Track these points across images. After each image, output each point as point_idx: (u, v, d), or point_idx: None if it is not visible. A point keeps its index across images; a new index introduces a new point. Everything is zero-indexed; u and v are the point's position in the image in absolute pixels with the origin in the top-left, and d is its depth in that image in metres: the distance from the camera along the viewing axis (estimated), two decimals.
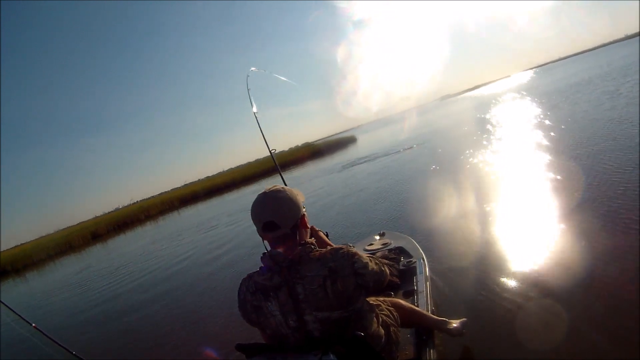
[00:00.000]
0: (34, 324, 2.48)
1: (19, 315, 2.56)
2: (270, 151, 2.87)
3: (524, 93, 23.14)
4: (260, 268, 1.46)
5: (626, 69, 15.60)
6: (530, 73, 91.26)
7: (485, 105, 23.81)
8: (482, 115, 17.27)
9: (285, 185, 1.62)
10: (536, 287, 2.67)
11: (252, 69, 3.18)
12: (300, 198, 1.53)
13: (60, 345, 2.38)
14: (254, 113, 2.82)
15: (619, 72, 15.31)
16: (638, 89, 9.19)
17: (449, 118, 22.97)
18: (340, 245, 1.49)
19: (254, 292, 1.44)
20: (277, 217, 1.42)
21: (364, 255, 1.49)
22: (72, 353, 2.34)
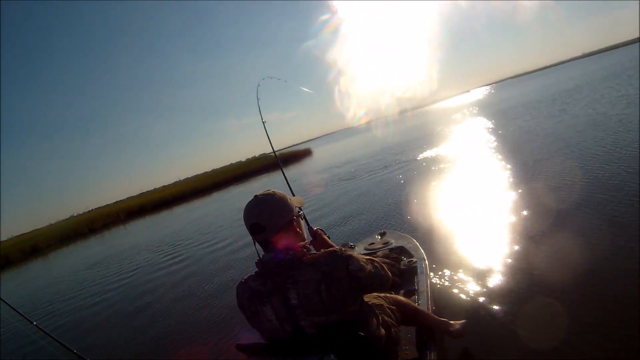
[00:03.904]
0: (34, 322, 2.46)
1: (20, 313, 2.51)
2: (274, 154, 2.88)
3: (479, 108, 24.01)
4: (255, 272, 1.45)
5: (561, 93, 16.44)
6: (488, 89, 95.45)
7: (461, 116, 24.04)
8: (467, 122, 17.50)
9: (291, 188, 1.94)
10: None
11: (264, 77, 3.12)
12: (295, 202, 1.54)
13: (61, 343, 2.36)
14: (263, 122, 2.84)
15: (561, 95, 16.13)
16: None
17: (428, 127, 22.74)
18: (336, 248, 1.45)
19: (250, 297, 1.42)
20: (262, 219, 1.40)
21: (361, 257, 1.45)
22: (73, 351, 2.31)
